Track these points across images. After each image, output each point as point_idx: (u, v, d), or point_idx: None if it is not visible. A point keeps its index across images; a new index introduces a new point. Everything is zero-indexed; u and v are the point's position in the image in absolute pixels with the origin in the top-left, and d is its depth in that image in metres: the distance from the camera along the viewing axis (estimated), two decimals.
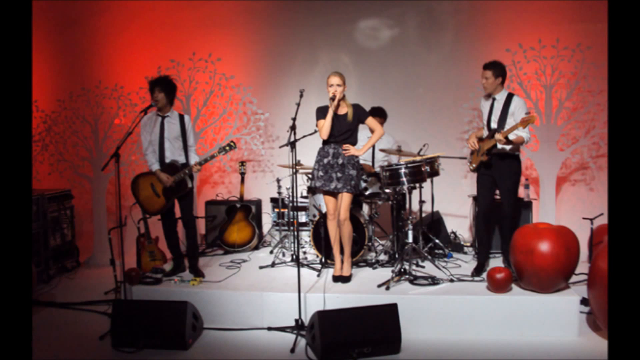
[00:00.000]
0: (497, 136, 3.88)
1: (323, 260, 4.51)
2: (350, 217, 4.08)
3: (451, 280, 4.03)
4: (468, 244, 5.16)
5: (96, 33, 6.26)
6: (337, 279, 4.12)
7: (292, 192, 4.24)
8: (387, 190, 4.56)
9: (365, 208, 4.94)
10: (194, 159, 4.29)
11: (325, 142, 4.10)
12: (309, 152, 4.71)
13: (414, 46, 5.97)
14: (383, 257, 4.77)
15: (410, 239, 4.21)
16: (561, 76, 5.25)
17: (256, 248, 5.36)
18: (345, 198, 4.02)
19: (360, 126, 4.16)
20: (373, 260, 4.58)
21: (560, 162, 5.36)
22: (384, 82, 6.01)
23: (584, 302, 3.81)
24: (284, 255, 4.94)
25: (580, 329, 3.60)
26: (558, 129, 5.30)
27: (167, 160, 4.23)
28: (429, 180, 4.78)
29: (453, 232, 5.20)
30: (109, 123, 5.74)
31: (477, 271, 4.19)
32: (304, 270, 4.33)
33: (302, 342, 3.51)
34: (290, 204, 5.14)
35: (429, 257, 4.40)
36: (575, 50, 5.17)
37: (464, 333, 3.63)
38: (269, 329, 3.78)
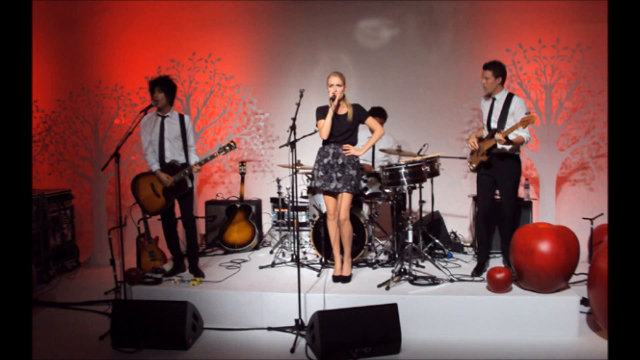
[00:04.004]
0: (497, 136, 3.88)
1: (323, 260, 4.50)
2: (350, 217, 4.08)
3: (451, 280, 4.03)
4: (468, 244, 5.16)
5: (96, 33, 6.26)
6: (337, 279, 4.12)
7: (292, 192, 4.24)
8: (387, 190, 4.56)
9: (365, 208, 4.94)
10: (194, 159, 4.29)
11: (325, 142, 4.10)
12: (309, 152, 4.71)
13: (414, 46, 5.97)
14: (383, 257, 4.76)
15: (410, 239, 4.20)
16: (561, 76, 5.25)
17: (256, 248, 5.36)
18: (345, 198, 4.02)
19: (360, 126, 4.16)
20: (373, 260, 4.58)
21: (560, 162, 5.36)
22: (384, 82, 6.00)
23: (584, 302, 3.81)
24: (284, 255, 4.93)
25: (580, 329, 3.60)
26: (558, 129, 5.30)
27: (167, 160, 4.23)
28: (429, 180, 4.77)
29: (453, 232, 5.19)
30: (109, 123, 5.74)
31: (477, 271, 4.19)
32: (304, 270, 4.33)
33: (302, 342, 3.51)
34: (290, 204, 5.14)
35: (429, 257, 4.40)
36: (575, 50, 5.16)
37: (464, 333, 3.63)
38: (269, 329, 3.78)
